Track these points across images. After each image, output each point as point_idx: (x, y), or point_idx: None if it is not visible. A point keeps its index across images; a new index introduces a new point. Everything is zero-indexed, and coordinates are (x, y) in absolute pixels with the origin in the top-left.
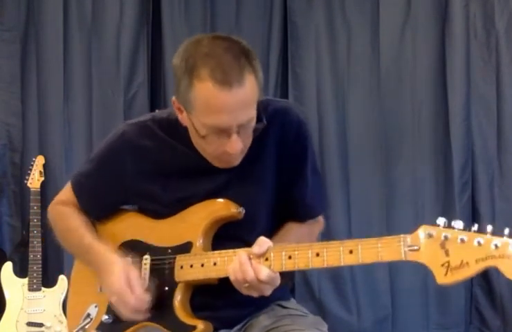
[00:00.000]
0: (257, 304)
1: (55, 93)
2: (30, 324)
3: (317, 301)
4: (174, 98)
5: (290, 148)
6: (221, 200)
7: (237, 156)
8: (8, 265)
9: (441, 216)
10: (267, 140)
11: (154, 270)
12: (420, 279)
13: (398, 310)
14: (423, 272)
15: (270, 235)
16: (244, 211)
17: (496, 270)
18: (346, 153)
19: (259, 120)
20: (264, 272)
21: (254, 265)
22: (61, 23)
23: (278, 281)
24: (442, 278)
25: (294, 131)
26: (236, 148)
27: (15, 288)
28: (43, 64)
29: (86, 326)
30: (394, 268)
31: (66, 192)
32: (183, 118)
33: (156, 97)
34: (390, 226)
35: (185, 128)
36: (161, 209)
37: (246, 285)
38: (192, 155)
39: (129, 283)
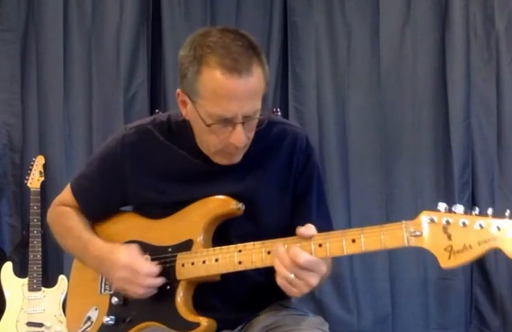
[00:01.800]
0: (259, 306)
1: (55, 93)
2: (30, 324)
3: (317, 301)
4: (178, 90)
5: (298, 175)
6: (220, 196)
7: (239, 151)
8: (8, 265)
9: None
10: (273, 156)
11: None
12: (420, 279)
13: (398, 310)
14: (423, 272)
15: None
16: (244, 207)
17: (495, 263)
18: (346, 153)
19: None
20: (303, 255)
21: (291, 250)
22: (61, 23)
23: (322, 268)
24: (446, 262)
25: (302, 159)
26: (240, 139)
27: (15, 288)
28: (43, 64)
29: (87, 330)
30: (394, 268)
31: (66, 194)
32: (188, 111)
33: (156, 97)
34: None
35: (186, 132)
36: (159, 212)
37: (290, 276)
38: (191, 160)
39: (135, 255)
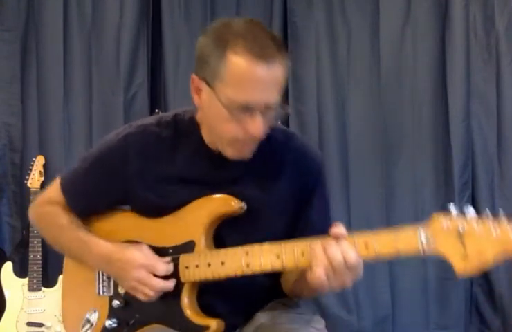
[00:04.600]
0: (260, 306)
1: (55, 93)
2: (30, 324)
3: (317, 300)
4: (193, 76)
5: (304, 192)
6: (219, 195)
7: (254, 143)
8: (8, 265)
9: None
10: (281, 171)
11: None
12: (420, 279)
13: (398, 310)
14: (423, 272)
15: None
16: (246, 206)
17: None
18: (346, 153)
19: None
20: (352, 254)
21: (342, 246)
22: (61, 23)
23: (361, 270)
24: (462, 269)
25: (311, 178)
26: (258, 130)
27: (15, 288)
28: (43, 64)
29: None
30: (394, 268)
31: (52, 190)
32: (202, 99)
33: (156, 97)
34: (390, 226)
35: (192, 131)
36: (159, 213)
37: (331, 273)
38: (196, 163)
39: (152, 256)
